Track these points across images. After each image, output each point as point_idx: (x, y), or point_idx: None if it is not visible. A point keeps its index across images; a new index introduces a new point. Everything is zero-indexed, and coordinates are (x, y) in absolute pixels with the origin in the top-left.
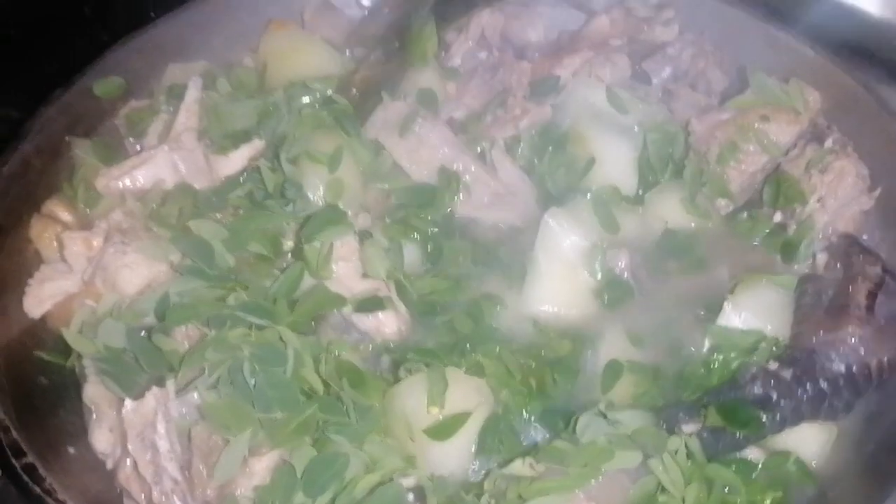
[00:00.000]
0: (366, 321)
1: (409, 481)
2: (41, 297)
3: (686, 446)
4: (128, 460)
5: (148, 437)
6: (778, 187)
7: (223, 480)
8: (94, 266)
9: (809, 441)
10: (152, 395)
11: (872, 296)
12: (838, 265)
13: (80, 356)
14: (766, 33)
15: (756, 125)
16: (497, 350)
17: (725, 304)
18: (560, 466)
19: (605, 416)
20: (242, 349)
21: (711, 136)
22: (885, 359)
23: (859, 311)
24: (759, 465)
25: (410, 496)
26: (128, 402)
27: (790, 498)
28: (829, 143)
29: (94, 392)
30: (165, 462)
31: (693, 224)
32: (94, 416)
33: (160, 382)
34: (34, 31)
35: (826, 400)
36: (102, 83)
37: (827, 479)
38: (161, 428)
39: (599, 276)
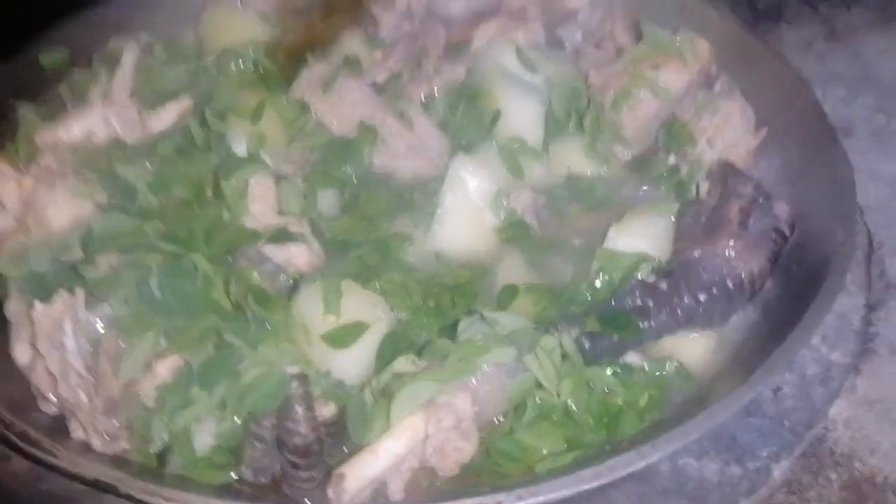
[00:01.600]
0: (278, 253)
1: (293, 369)
2: None
3: (562, 347)
4: (40, 361)
5: (56, 336)
6: (670, 131)
7: (127, 379)
8: (25, 205)
9: (691, 348)
10: (60, 298)
11: (745, 212)
12: (717, 190)
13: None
14: None
15: (647, 73)
16: (400, 278)
17: (611, 230)
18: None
19: (483, 319)
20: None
21: (608, 85)
22: (756, 269)
23: (732, 227)
24: (641, 369)
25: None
26: (37, 305)
27: (666, 396)
28: (717, 87)
29: (14, 307)
30: (72, 359)
31: (593, 170)
32: (15, 329)
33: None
34: None
35: (700, 308)
36: (48, 54)
37: (705, 380)
38: (68, 328)
39: (502, 217)
